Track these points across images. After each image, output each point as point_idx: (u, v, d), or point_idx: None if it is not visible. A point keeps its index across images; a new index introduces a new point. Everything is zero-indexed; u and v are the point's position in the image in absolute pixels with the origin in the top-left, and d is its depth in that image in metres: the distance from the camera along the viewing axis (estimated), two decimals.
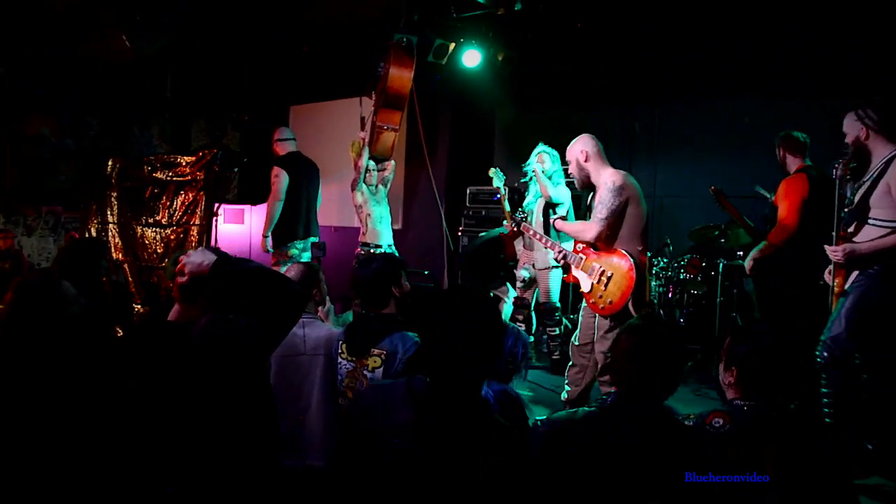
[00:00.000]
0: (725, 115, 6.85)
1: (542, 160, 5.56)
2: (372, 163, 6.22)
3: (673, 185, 7.17)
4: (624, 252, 3.63)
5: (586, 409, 1.89)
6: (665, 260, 6.01)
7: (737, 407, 2.16)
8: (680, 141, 7.11)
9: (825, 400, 3.24)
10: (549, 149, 5.59)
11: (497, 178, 5.71)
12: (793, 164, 4.28)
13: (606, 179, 3.68)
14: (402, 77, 6.05)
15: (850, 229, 3.34)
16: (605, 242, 3.72)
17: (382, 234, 6.11)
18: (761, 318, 4.61)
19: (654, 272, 5.92)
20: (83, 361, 2.34)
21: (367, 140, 6.09)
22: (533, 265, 5.63)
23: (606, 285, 3.65)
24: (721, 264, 5.58)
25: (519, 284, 5.78)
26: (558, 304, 5.61)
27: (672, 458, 1.80)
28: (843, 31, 5.69)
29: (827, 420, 3.21)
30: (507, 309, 4.09)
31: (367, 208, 6.08)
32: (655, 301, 5.85)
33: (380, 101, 6.20)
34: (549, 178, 5.45)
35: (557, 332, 5.56)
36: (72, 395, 2.19)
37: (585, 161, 3.78)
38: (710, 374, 5.43)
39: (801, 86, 6.18)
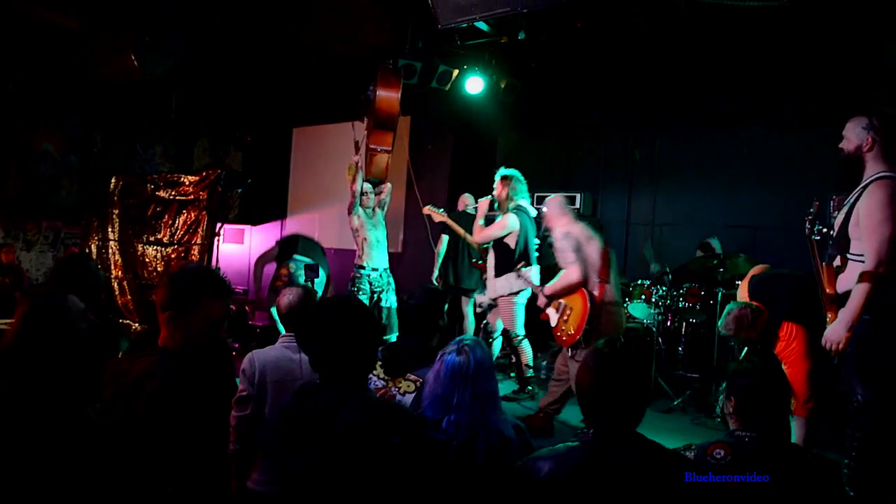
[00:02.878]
0: (724, 146, 6.92)
1: (498, 186, 5.43)
2: (368, 185, 6.24)
3: (672, 214, 7.22)
4: (584, 290, 4.14)
5: (569, 443, 1.87)
6: (664, 288, 6.03)
7: (739, 438, 2.18)
8: (679, 170, 7.18)
9: (852, 443, 3.04)
10: (508, 171, 5.41)
11: (436, 214, 6.11)
12: None
13: (558, 230, 4.39)
14: (389, 98, 6.14)
15: (836, 263, 3.13)
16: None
17: (377, 257, 6.12)
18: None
19: (653, 300, 5.93)
20: (89, 376, 2.35)
21: (360, 163, 6.14)
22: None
23: (567, 319, 4.18)
24: (720, 293, 5.60)
25: (478, 309, 6.08)
26: (517, 333, 5.33)
27: (656, 489, 1.78)
28: (840, 62, 5.79)
29: (846, 461, 3.02)
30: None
31: (364, 232, 6.09)
32: (654, 329, 5.86)
33: (371, 123, 6.27)
34: (498, 205, 5.45)
35: (507, 361, 5.69)
36: (76, 409, 2.20)
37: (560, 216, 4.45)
38: (709, 402, 5.43)
39: (799, 117, 6.26)
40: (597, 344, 1.93)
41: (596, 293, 4.07)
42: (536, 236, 5.44)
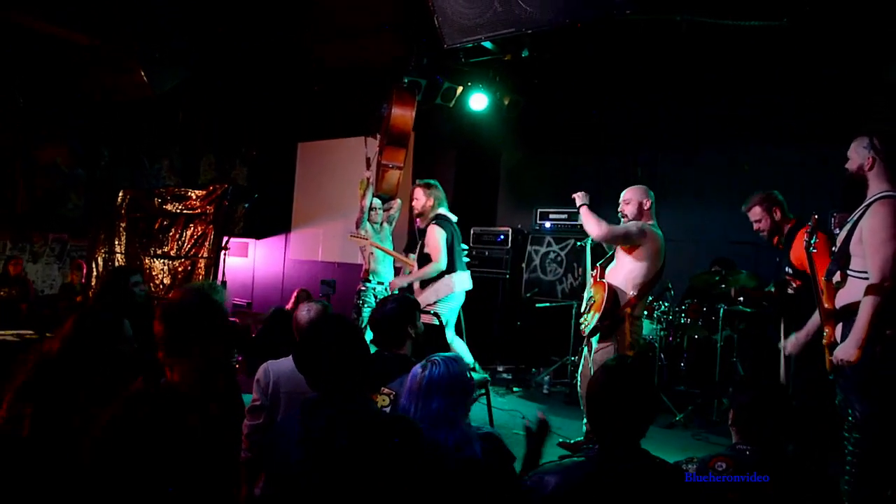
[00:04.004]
0: (726, 162, 6.98)
1: (415, 196, 5.26)
2: (377, 201, 6.31)
3: (674, 230, 7.25)
4: (607, 284, 4.01)
5: (574, 458, 1.91)
6: (666, 304, 6.06)
7: (740, 451, 2.21)
8: (682, 186, 7.22)
9: (849, 458, 3.05)
10: (429, 180, 5.34)
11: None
12: (778, 218, 4.14)
13: (645, 232, 4.04)
14: (404, 116, 6.22)
15: (836, 279, 3.16)
16: (603, 273, 4.16)
17: (384, 271, 6.16)
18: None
19: (655, 315, 5.96)
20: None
21: (371, 179, 6.21)
22: None
23: (590, 310, 4.08)
24: (721, 309, 5.64)
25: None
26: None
27: (660, 501, 1.81)
28: (840, 79, 5.86)
29: (846, 477, 3.03)
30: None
31: (370, 247, 6.14)
32: (657, 345, 5.88)
33: (384, 140, 6.35)
34: (420, 214, 5.22)
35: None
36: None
37: (647, 208, 4.14)
38: (710, 418, 5.45)
39: (801, 133, 6.33)
40: (608, 360, 1.99)
41: (626, 299, 3.95)
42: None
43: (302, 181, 10.02)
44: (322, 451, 1.83)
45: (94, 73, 7.30)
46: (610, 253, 4.37)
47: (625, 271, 4.00)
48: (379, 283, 6.13)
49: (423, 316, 4.87)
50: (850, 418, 3.09)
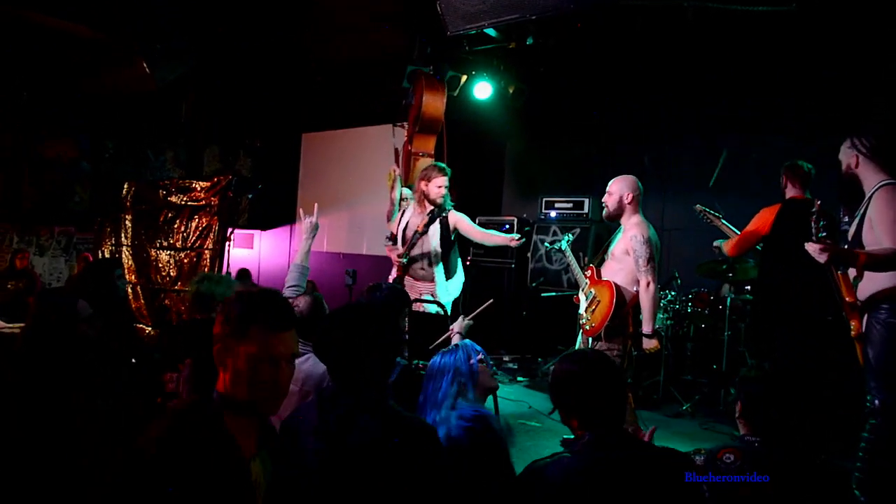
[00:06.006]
0: (733, 151, 6.92)
1: (442, 183, 4.77)
2: (407, 191, 6.23)
3: (681, 219, 7.21)
4: (612, 283, 3.96)
5: (565, 453, 1.90)
6: (673, 293, 6.03)
7: (749, 443, 2.20)
8: (689, 175, 7.17)
9: (863, 444, 3.09)
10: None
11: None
12: (788, 192, 4.43)
13: (633, 230, 3.94)
14: (435, 102, 6.20)
15: (852, 273, 3.22)
16: (599, 272, 4.12)
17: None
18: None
19: (661, 305, 5.94)
20: (94, 382, 2.38)
21: (399, 171, 6.09)
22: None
23: (594, 310, 4.02)
24: (728, 298, 5.61)
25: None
26: None
27: (658, 482, 1.80)
28: (842, 69, 5.80)
29: (858, 464, 3.05)
30: None
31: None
32: (663, 334, 5.86)
33: (413, 128, 6.29)
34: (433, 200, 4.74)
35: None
36: (77, 411, 2.23)
37: (629, 202, 4.04)
38: (717, 408, 5.43)
39: (808, 123, 6.27)
40: (568, 352, 2.01)
41: (630, 296, 3.98)
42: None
43: (306, 172, 10.02)
44: (337, 442, 1.81)
45: (96, 68, 7.30)
46: (609, 244, 4.33)
47: (626, 270, 3.98)
48: None
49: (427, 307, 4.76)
50: (868, 405, 3.12)
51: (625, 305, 3.96)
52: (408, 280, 4.75)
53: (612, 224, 4.35)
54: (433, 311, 4.42)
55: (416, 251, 4.67)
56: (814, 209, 3.19)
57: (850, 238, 3.27)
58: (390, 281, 5.91)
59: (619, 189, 4.06)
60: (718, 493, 2.00)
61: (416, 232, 4.63)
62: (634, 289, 3.96)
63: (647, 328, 3.90)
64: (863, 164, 3.25)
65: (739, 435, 2.30)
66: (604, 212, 4.15)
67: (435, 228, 4.66)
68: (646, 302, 3.89)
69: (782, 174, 4.48)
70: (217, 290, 3.52)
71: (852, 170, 3.30)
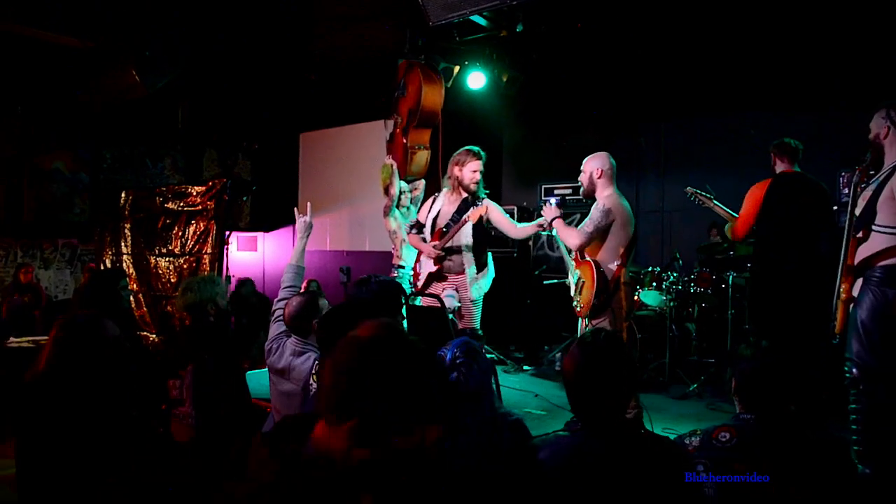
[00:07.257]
0: (731, 129, 6.86)
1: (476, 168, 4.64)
2: (404, 184, 6.19)
3: (681, 200, 7.14)
4: (591, 261, 4.01)
5: (559, 432, 1.89)
6: (675, 274, 5.99)
7: (744, 420, 2.18)
8: (687, 156, 7.13)
9: (853, 416, 3.11)
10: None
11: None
12: (777, 168, 4.49)
13: (602, 200, 4.01)
14: (434, 95, 6.10)
15: (859, 235, 3.24)
16: (582, 253, 4.11)
17: (407, 257, 6.09)
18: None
19: (664, 286, 5.90)
20: (120, 402, 2.31)
21: (394, 164, 6.06)
22: (456, 290, 4.55)
23: (580, 291, 4.11)
24: (731, 277, 5.56)
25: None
26: (481, 333, 4.65)
27: (650, 473, 1.79)
28: (848, 43, 5.71)
29: (854, 437, 3.07)
30: None
31: (401, 233, 5.95)
32: (667, 316, 5.83)
33: (411, 121, 6.19)
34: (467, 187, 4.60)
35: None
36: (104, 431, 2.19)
37: (598, 177, 4.06)
38: (723, 387, 5.40)
39: (807, 98, 6.20)
40: (584, 335, 1.97)
41: (612, 272, 3.99)
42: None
43: (306, 171, 10.01)
44: None
45: (90, 78, 7.30)
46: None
47: (603, 247, 4.01)
48: (400, 266, 6.05)
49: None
50: (847, 375, 3.16)
51: (608, 282, 3.99)
52: (433, 269, 4.52)
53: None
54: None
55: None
56: (866, 158, 3.32)
57: (863, 204, 3.27)
58: (393, 267, 5.94)
59: (590, 167, 4.09)
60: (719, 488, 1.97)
61: (448, 223, 4.45)
62: (616, 263, 3.98)
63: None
64: (891, 135, 3.26)
65: (735, 413, 2.27)
66: (580, 190, 4.20)
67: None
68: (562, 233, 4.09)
69: (771, 153, 4.55)
70: (204, 294, 3.53)
71: (881, 140, 3.30)
